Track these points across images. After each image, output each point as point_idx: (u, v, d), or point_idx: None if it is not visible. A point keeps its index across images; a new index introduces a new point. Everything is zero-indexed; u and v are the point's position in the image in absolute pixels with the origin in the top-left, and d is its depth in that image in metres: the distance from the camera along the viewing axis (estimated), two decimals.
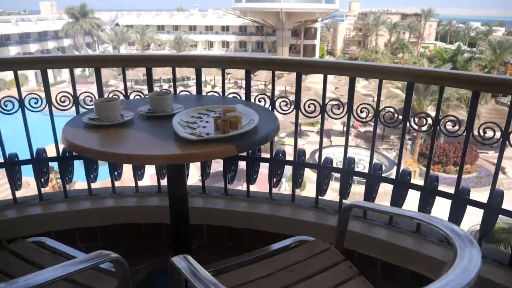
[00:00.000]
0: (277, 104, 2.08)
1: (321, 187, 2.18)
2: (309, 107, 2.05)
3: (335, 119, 2.06)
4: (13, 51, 32.49)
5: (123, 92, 2.10)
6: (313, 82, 26.16)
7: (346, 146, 2.10)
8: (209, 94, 2.09)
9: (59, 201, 2.21)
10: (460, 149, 16.90)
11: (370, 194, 2.06)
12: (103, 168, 2.29)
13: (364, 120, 2.01)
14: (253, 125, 1.34)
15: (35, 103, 2.05)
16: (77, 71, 32.03)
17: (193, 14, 45.05)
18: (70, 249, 1.38)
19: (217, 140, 1.25)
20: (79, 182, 4.14)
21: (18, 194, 2.17)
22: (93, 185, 2.29)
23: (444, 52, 30.70)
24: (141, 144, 1.31)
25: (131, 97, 2.08)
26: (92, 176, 2.23)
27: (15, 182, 2.12)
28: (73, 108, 2.05)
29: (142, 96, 2.11)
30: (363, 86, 28.26)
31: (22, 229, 2.07)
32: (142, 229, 2.25)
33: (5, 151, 2.05)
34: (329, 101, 2.01)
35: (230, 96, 2.03)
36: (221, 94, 2.12)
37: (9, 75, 26.59)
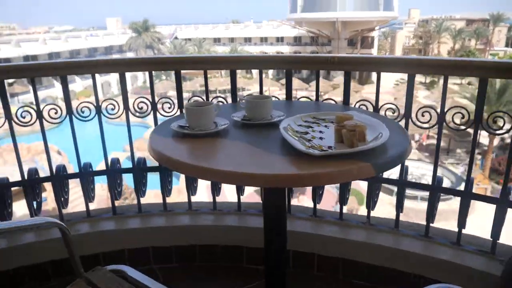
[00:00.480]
0: (381, 111, 1.75)
1: (432, 212, 1.80)
2: (423, 115, 1.70)
3: (457, 130, 1.69)
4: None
5: (203, 98, 1.89)
6: (370, 92, 25.04)
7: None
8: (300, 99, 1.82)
9: (132, 216, 2.03)
10: None
11: None
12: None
13: (497, 132, 1.62)
14: (383, 139, 1.03)
15: (112, 109, 1.90)
16: (139, 81, 33.62)
17: (248, 26, 45.75)
18: (154, 283, 1.15)
19: (347, 156, 0.96)
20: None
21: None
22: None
23: None
24: (245, 159, 1.05)
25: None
26: (166, 189, 2.04)
27: (88, 194, 1.97)
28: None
29: (225, 102, 1.88)
30: (425, 96, 26.59)
31: (95, 245, 1.91)
32: (219, 251, 2.00)
33: (80, 161, 1.92)
34: (449, 109, 1.65)
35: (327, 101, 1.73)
36: (313, 99, 1.84)
37: (77, 86, 28.55)
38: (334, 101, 1.82)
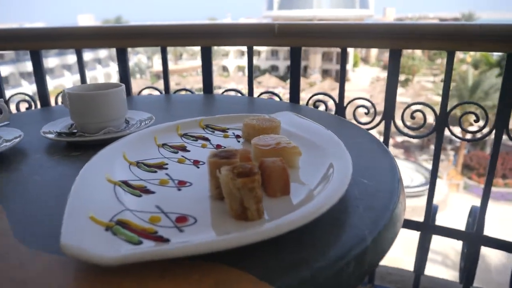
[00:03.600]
0: (348, 110, 1.13)
1: None
2: (412, 117, 1.08)
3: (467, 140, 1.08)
4: (52, 62, 33.21)
5: None
6: (348, 90, 24.16)
7: None
8: (225, 94, 1.17)
9: None
10: (509, 161, 14.80)
11: None
12: None
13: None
14: (337, 185, 0.39)
15: None
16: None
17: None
18: None
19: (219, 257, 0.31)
20: None
21: None
22: None
23: (490, 56, 28.48)
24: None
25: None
26: None
27: None
28: None
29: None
30: (400, 94, 26.27)
31: None
32: None
33: None
34: (456, 106, 1.04)
35: (264, 96, 1.09)
36: (245, 93, 1.19)
37: None
38: (278, 96, 1.19)
